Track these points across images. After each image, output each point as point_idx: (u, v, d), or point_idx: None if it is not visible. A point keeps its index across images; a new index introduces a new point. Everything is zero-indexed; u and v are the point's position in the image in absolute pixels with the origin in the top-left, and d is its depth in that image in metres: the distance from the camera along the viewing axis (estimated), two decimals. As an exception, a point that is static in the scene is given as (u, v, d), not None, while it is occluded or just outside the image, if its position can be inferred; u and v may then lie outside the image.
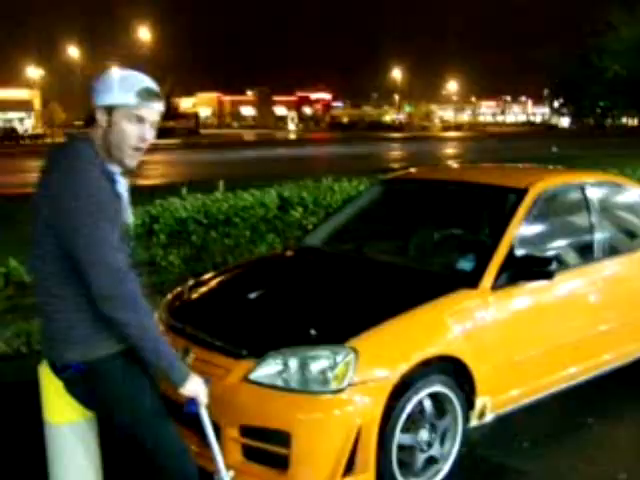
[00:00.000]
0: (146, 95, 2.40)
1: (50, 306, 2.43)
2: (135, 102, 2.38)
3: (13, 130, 63.86)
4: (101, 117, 2.40)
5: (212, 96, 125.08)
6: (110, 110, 2.39)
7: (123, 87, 2.39)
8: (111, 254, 2.29)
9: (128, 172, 2.53)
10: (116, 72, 2.45)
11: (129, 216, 2.60)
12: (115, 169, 2.45)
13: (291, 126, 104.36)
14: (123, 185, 2.49)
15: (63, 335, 2.41)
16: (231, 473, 2.61)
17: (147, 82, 2.43)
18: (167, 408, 2.57)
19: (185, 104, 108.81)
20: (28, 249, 2.45)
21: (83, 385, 2.47)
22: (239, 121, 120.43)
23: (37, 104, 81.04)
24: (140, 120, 2.40)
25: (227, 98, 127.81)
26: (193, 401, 2.47)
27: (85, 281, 2.29)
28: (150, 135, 2.45)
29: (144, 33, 75.38)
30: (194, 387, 2.46)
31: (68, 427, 2.62)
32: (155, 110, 2.44)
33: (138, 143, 2.42)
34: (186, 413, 2.51)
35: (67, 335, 2.41)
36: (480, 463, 3.82)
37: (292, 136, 72.41)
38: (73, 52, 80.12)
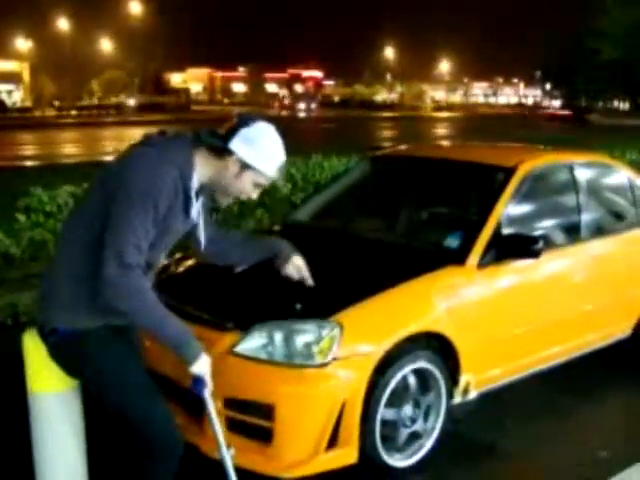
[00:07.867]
0: (280, 170, 2.49)
1: (57, 270, 2.43)
2: (274, 176, 2.47)
3: (1, 102, 63.19)
4: (232, 166, 2.42)
5: (203, 72, 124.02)
6: (246, 167, 2.41)
7: (272, 158, 2.45)
8: (130, 245, 2.25)
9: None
10: (268, 132, 2.45)
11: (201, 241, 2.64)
12: (195, 186, 2.43)
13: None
14: (196, 208, 2.50)
15: (56, 300, 2.42)
16: (232, 451, 2.60)
17: (283, 156, 2.51)
18: (158, 382, 2.57)
19: (175, 79, 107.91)
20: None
21: (68, 351, 2.46)
22: (230, 97, 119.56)
23: (26, 76, 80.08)
24: (260, 186, 2.50)
25: (218, 74, 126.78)
26: (199, 380, 2.44)
27: (100, 257, 2.25)
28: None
29: (135, 5, 74.59)
30: (203, 367, 2.42)
31: (52, 396, 2.61)
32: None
33: (242, 197, 2.53)
34: (193, 392, 2.49)
35: (59, 300, 2.41)
36: (463, 442, 3.83)
37: (283, 113, 71.93)
38: (63, 24, 79.21)
